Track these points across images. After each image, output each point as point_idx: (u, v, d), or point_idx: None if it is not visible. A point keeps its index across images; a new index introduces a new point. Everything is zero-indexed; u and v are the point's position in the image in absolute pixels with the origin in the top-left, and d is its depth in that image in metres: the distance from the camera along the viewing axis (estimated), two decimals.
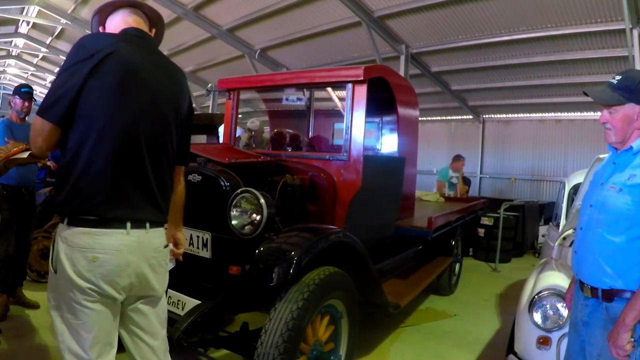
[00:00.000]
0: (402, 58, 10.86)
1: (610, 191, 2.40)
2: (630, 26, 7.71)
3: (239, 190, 3.45)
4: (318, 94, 6.42)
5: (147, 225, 2.12)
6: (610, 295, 2.36)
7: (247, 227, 3.39)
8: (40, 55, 21.06)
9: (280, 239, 3.36)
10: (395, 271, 5.24)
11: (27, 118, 5.38)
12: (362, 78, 4.33)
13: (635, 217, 2.29)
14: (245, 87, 5.36)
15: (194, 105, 2.61)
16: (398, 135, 5.33)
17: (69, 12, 14.16)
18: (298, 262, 3.11)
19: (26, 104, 5.18)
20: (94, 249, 1.98)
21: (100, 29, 2.32)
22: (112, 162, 2.01)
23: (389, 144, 5.68)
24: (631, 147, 2.43)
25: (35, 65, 23.76)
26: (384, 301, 4.27)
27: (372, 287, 4.08)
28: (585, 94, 2.59)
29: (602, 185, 2.49)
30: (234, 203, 3.43)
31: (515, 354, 3.55)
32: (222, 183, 3.60)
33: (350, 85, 4.40)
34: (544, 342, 3.36)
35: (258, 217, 3.36)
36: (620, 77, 2.44)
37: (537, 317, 3.43)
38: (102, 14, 2.32)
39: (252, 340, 3.13)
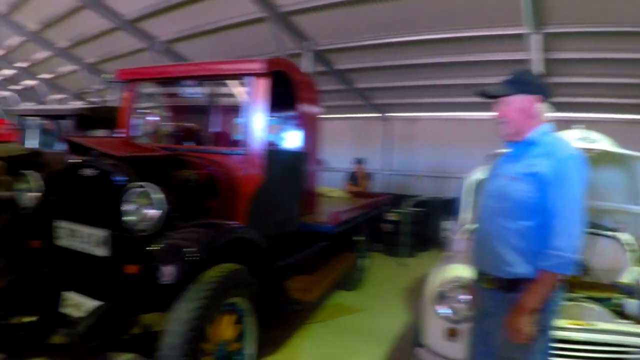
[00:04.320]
0: (308, 55, 10.81)
1: (506, 180, 2.53)
2: (530, 31, 8.05)
3: (133, 185, 3.29)
4: (221, 88, 6.29)
5: None
6: (514, 284, 2.44)
7: (142, 224, 3.23)
8: None
9: (177, 235, 3.23)
10: (301, 267, 5.18)
11: None
12: (264, 71, 4.26)
13: (534, 204, 2.39)
14: (144, 78, 5.15)
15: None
16: (300, 130, 5.31)
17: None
18: (196, 258, 3.01)
19: None
20: None
21: None
22: None
23: (290, 139, 5.63)
24: (528, 139, 2.57)
25: None
26: (289, 298, 4.23)
27: (276, 283, 4.03)
28: (481, 93, 2.77)
29: (498, 177, 2.63)
30: (128, 198, 3.27)
31: (423, 346, 3.60)
32: (116, 177, 3.43)
33: (252, 78, 4.32)
34: (452, 333, 3.42)
35: (154, 213, 3.21)
36: (512, 74, 2.66)
37: (445, 309, 3.48)
38: None
39: (154, 342, 2.98)
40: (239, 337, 3.50)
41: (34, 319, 4.12)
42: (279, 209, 4.74)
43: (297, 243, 5.12)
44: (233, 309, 3.41)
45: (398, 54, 10.73)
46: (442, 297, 3.55)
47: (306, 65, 10.61)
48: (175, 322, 2.90)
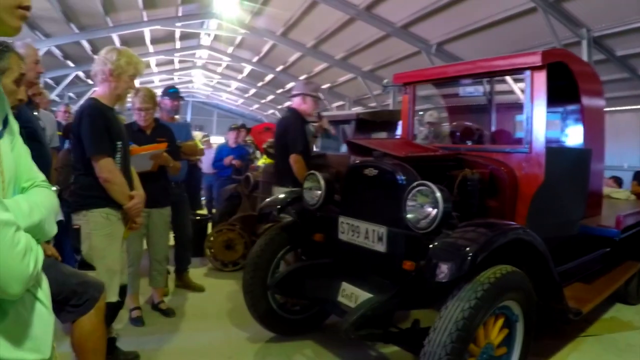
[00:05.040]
0: (584, 43, 9.96)
1: None
2: None
3: (415, 184, 3.38)
4: (499, 85, 6.17)
5: None
6: None
7: (422, 222, 3.29)
8: (223, 64, 22.72)
9: (455, 234, 3.20)
10: (578, 274, 4.81)
11: (176, 116, 6.03)
12: (540, 64, 4.03)
13: None
14: (420, 80, 5.29)
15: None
16: (582, 126, 4.89)
17: (246, 22, 15.16)
18: (473, 258, 2.95)
19: (175, 103, 5.72)
20: None
21: None
22: None
23: (572, 135, 5.27)
24: None
25: (219, 74, 25.66)
26: (564, 306, 3.95)
27: (553, 290, 3.79)
28: None
29: None
30: (409, 196, 3.37)
31: None
32: (397, 176, 3.59)
33: (528, 72, 4.14)
34: None
35: (434, 212, 3.24)
36: None
37: None
38: None
39: (421, 338, 3.01)
40: (506, 342, 3.37)
41: (307, 304, 4.54)
42: (559, 211, 4.48)
43: (577, 247, 4.78)
44: (504, 313, 3.29)
45: None
46: None
47: (584, 53, 9.86)
48: (445, 320, 2.88)
